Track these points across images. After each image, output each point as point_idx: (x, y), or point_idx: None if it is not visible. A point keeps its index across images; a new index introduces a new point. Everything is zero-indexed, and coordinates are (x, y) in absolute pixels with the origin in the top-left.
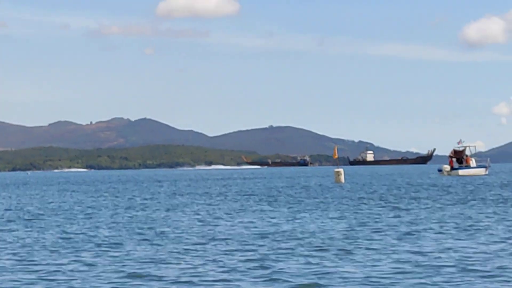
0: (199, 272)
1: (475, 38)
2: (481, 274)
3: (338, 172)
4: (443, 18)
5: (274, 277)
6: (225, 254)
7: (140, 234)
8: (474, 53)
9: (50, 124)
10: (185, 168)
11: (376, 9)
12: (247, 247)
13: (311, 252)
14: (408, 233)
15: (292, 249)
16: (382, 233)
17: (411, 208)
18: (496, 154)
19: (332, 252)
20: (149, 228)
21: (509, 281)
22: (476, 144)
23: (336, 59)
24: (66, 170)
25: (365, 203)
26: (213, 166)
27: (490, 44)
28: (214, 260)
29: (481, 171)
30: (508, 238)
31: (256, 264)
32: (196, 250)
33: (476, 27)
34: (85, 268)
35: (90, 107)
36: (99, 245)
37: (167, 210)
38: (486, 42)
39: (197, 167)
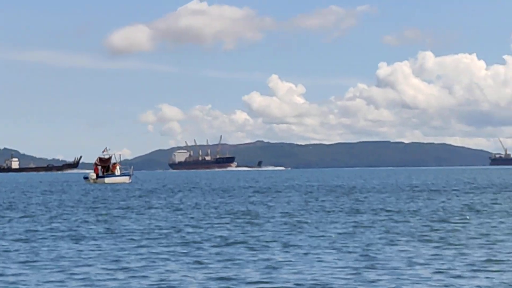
0: None
1: (121, 46)
2: None
3: None
4: (87, 25)
5: None
6: None
7: None
8: (120, 61)
9: None
10: None
11: (22, 14)
12: None
13: None
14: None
15: None
16: None
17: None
18: (142, 162)
19: None
20: None
21: None
22: (123, 152)
23: None
24: None
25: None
26: None
27: (136, 52)
28: None
29: (126, 179)
30: None
31: None
32: None
33: (122, 34)
34: None
35: None
36: None
37: None
38: (132, 49)
39: None
